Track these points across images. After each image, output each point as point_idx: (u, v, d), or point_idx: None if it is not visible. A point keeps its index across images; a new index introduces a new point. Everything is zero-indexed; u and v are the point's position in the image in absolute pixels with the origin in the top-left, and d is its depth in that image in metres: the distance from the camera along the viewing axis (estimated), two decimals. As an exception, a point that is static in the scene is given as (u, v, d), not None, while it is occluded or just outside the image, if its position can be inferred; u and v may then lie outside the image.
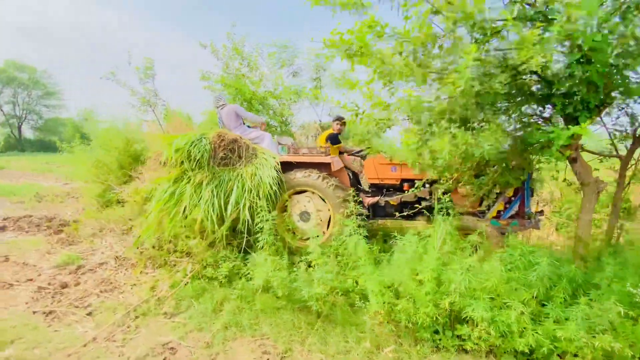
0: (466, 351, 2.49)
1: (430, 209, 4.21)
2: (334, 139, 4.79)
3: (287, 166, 4.20)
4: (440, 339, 2.52)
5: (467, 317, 2.41)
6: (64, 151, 7.06)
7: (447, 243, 2.88)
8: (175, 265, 3.62)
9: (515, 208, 3.99)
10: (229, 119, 5.11)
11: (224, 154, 4.10)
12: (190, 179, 3.90)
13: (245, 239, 3.83)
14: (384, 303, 2.56)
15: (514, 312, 2.29)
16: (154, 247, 3.72)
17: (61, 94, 36.48)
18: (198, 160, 3.89)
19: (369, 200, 4.41)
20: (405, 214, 4.19)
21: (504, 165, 2.99)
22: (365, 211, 4.19)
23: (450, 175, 3.27)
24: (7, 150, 29.02)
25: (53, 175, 11.95)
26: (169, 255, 3.66)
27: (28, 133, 35.95)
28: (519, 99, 2.83)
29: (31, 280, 3.55)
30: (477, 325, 2.38)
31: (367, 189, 4.86)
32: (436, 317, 2.42)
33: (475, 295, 2.45)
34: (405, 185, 4.39)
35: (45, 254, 4.16)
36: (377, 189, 4.62)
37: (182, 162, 3.94)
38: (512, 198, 4.01)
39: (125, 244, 4.24)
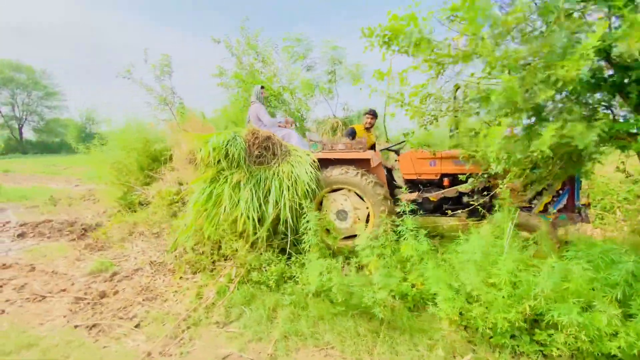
0: (545, 356, 2.32)
1: (483, 205, 4.05)
2: (348, 134, 4.69)
3: (322, 163, 4.01)
4: (518, 345, 2.35)
5: (549, 320, 2.24)
6: (80, 152, 6.81)
7: (511, 242, 2.70)
8: (215, 269, 3.43)
9: (564, 201, 3.80)
10: (253, 118, 4.92)
11: (259, 152, 3.89)
12: (226, 179, 3.69)
13: (286, 240, 3.65)
14: (455, 308, 2.39)
15: (604, 314, 2.12)
16: (193, 250, 3.51)
17: (62, 94, 36.04)
18: (235, 159, 3.69)
19: (407, 196, 4.21)
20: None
21: (569, 156, 2.80)
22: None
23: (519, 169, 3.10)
24: (8, 152, 28.61)
25: (62, 178, 11.69)
26: (209, 259, 3.46)
27: (29, 135, 35.47)
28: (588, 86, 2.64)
29: (64, 290, 3.35)
30: (561, 330, 2.22)
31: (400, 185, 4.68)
32: (515, 322, 2.25)
33: (556, 298, 2.28)
34: (445, 180, 4.20)
35: (75, 261, 3.96)
36: (413, 184, 4.43)
37: (218, 161, 3.73)
38: (560, 191, 3.83)
39: (159, 248, 4.04)
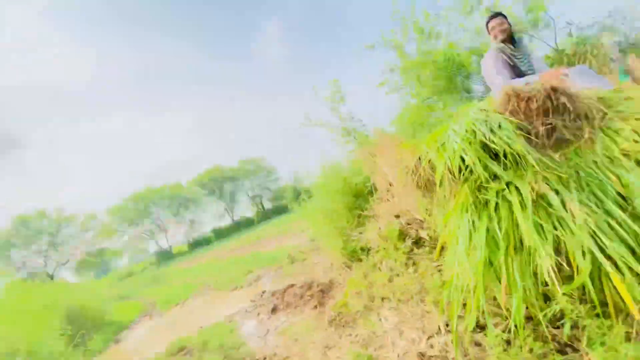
0: None
1: None
2: None
3: None
4: None
5: None
6: (293, 211, 6.73)
7: None
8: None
9: None
10: (487, 81, 2.96)
11: (545, 124, 1.88)
12: (501, 196, 1.85)
13: None
14: None
15: None
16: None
17: (276, 171, 45.75)
18: (510, 154, 1.82)
19: None
20: None
21: None
22: None
23: None
24: (259, 221, 37.41)
25: (294, 234, 13.03)
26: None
27: (267, 205, 45.90)
28: None
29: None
30: None
31: None
32: None
33: None
34: None
35: (325, 349, 3.01)
36: None
37: (468, 171, 1.98)
38: None
39: (417, 325, 2.54)
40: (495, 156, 1.93)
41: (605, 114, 1.81)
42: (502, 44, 2.89)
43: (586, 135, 1.77)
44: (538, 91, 1.87)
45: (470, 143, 1.87)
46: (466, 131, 1.89)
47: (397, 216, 4.29)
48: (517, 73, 2.77)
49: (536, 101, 1.86)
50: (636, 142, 1.63)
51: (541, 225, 1.61)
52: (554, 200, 1.61)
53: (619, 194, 1.55)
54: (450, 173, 2.00)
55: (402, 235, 3.86)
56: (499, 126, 1.85)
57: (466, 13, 6.03)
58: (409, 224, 4.05)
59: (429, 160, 2.19)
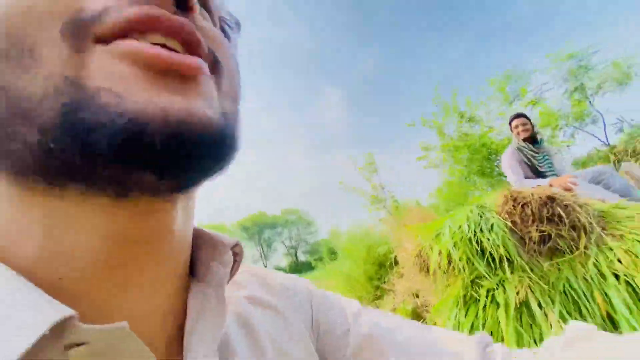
0: None
1: None
2: None
3: None
4: None
5: None
6: (317, 269, 6.81)
7: None
8: None
9: None
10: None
11: (539, 230, 1.95)
12: (491, 294, 1.89)
13: None
14: None
15: None
16: None
17: (316, 222, 46.07)
18: (499, 255, 1.90)
19: None
20: None
21: None
22: None
23: None
24: (294, 272, 37.09)
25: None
26: None
27: (302, 257, 45.58)
28: None
29: None
30: None
31: None
32: None
33: None
34: None
35: None
36: None
37: (462, 265, 2.06)
38: None
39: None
40: (490, 256, 2.01)
41: (604, 229, 1.85)
42: (523, 143, 3.04)
43: (581, 248, 1.80)
44: (534, 198, 1.99)
45: (461, 239, 1.99)
46: (459, 227, 2.02)
47: (416, 295, 4.17)
48: (536, 173, 2.86)
49: (531, 208, 1.97)
50: (628, 263, 1.63)
51: (522, 334, 1.62)
52: (536, 310, 1.63)
53: (608, 314, 1.54)
54: (447, 264, 2.10)
55: (416, 318, 3.73)
56: (491, 227, 1.96)
57: (507, 103, 6.28)
58: (425, 306, 3.92)
59: (426, 247, 2.31)
